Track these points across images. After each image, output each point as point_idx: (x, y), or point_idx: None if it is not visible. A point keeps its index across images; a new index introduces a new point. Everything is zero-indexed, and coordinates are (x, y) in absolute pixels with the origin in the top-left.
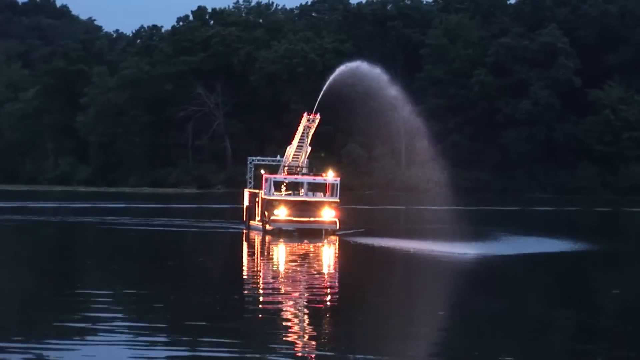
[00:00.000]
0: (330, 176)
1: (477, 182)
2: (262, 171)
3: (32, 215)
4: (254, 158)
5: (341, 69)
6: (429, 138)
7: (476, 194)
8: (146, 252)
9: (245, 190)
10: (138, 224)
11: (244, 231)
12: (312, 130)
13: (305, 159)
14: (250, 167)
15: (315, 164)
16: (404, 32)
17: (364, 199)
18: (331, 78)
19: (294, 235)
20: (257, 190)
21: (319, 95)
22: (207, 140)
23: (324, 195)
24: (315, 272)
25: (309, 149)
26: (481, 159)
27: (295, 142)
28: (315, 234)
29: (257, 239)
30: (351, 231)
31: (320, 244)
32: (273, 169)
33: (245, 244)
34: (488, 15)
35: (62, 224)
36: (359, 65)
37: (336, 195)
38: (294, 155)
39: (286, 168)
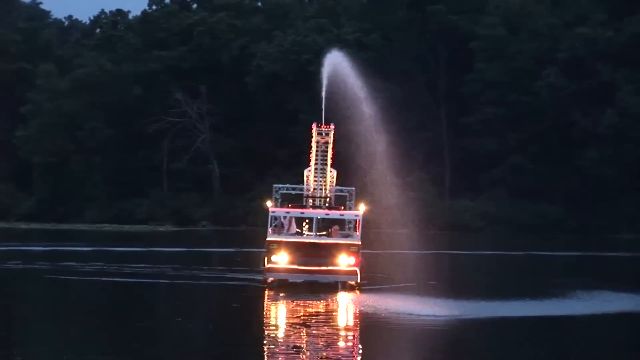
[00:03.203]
0: (361, 209)
1: (546, 218)
2: (269, 203)
3: None
4: (281, 186)
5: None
6: (482, 160)
7: (544, 234)
8: (102, 307)
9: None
10: (100, 272)
11: (266, 280)
12: (331, 146)
13: (332, 186)
14: (277, 198)
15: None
16: (449, 19)
17: (395, 241)
18: (324, 77)
19: (300, 288)
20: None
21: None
22: (188, 162)
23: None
24: None
25: (334, 172)
26: (551, 187)
27: (312, 164)
28: (329, 287)
29: (252, 294)
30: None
31: (332, 304)
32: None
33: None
34: None
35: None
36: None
37: (357, 236)
38: (315, 181)
39: (310, 200)
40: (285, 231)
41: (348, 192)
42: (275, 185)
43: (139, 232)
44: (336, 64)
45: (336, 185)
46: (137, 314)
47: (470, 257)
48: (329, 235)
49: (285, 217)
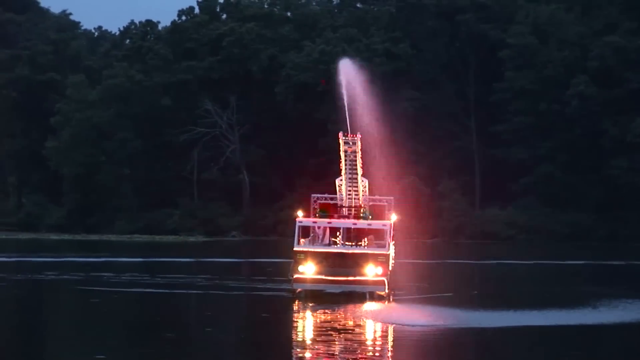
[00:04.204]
0: (392, 219)
1: (576, 227)
2: (300, 213)
3: None
4: (319, 195)
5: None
6: (511, 169)
7: (575, 243)
8: (133, 318)
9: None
10: (131, 282)
11: (295, 290)
12: (359, 155)
13: (365, 196)
14: (315, 207)
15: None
16: (479, 28)
17: (425, 250)
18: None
19: (329, 298)
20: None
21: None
22: (218, 172)
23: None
24: None
25: (365, 181)
26: (581, 196)
27: (343, 173)
28: (358, 297)
29: (282, 304)
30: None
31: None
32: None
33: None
34: (590, 6)
35: (29, 284)
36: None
37: (387, 246)
38: (347, 191)
39: (344, 209)
40: (319, 241)
41: (387, 201)
42: (313, 195)
43: (169, 242)
44: (348, 72)
45: (376, 195)
46: (167, 325)
47: (501, 266)
48: (363, 246)
49: (319, 227)
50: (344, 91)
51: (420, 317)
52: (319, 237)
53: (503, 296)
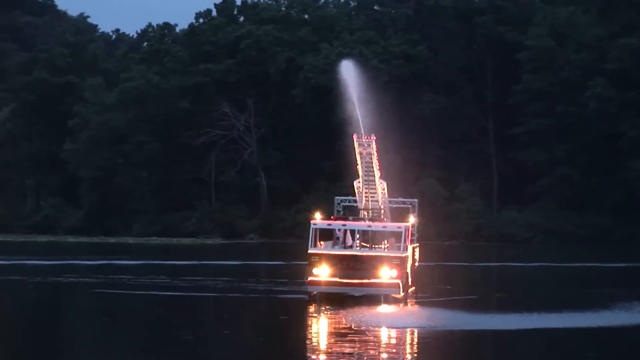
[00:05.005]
0: (410, 221)
1: (594, 230)
2: (317, 215)
3: (3, 275)
4: (343, 198)
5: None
6: (529, 171)
7: (593, 245)
8: (151, 320)
9: None
10: (149, 285)
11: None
12: (375, 157)
13: (384, 198)
14: (339, 210)
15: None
16: (496, 30)
17: (444, 252)
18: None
19: (345, 301)
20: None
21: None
22: (235, 174)
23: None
24: None
25: (384, 183)
26: (599, 198)
27: (361, 175)
28: (375, 299)
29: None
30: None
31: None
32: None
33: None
34: (608, 8)
35: (48, 287)
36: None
37: (403, 248)
38: (366, 193)
39: (365, 212)
40: (340, 244)
41: (410, 203)
42: (337, 197)
43: (186, 245)
44: (350, 74)
45: (399, 197)
46: (185, 327)
47: (520, 268)
48: (384, 248)
49: (340, 230)
50: (353, 92)
51: (422, 319)
52: (339, 240)
53: (528, 298)
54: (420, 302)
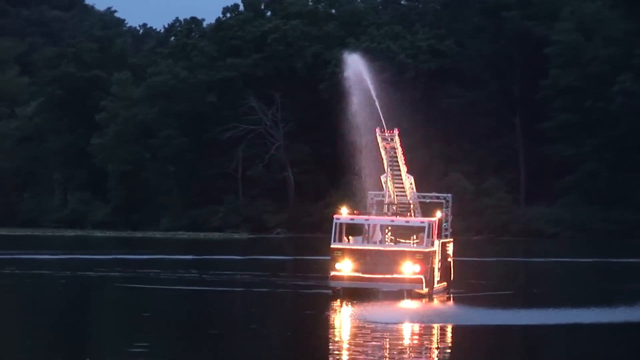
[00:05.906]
0: (437, 216)
1: (622, 225)
2: (344, 210)
3: (32, 269)
4: (376, 193)
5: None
6: (557, 166)
7: (620, 240)
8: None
9: None
10: (177, 279)
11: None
12: (400, 151)
13: (412, 192)
14: (372, 205)
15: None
16: (524, 25)
17: (472, 248)
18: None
19: (370, 296)
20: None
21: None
22: (263, 169)
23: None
24: None
25: (411, 177)
26: (627, 193)
27: (387, 170)
28: (400, 294)
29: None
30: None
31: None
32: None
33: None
34: (635, 2)
35: (75, 282)
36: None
37: (428, 243)
38: (395, 188)
39: (393, 207)
40: (371, 239)
41: (444, 198)
42: (370, 192)
43: (214, 239)
44: (356, 66)
45: (432, 192)
46: (212, 321)
47: (548, 264)
48: (412, 243)
49: (369, 225)
50: (370, 85)
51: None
52: (369, 235)
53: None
54: (457, 298)
